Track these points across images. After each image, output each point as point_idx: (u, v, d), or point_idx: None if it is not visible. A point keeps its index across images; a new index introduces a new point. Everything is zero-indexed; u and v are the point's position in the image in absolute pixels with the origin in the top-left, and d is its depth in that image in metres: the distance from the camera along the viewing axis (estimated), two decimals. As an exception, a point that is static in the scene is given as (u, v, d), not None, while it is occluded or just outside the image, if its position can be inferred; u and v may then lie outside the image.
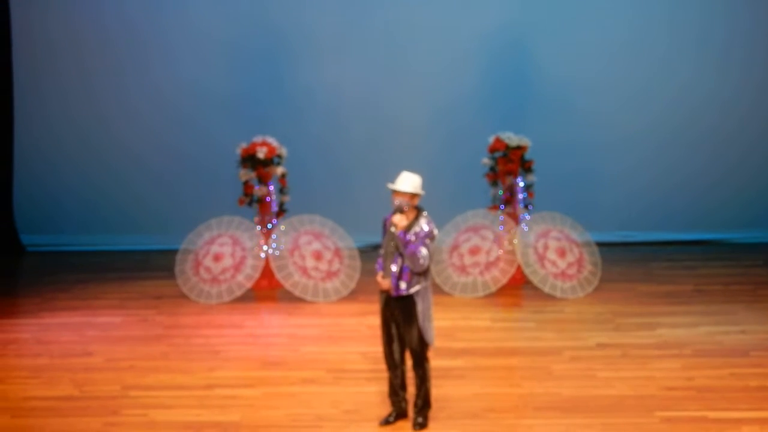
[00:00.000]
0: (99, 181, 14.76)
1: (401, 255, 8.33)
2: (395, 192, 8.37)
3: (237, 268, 12.45)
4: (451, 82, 14.59)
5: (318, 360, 10.26)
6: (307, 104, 14.60)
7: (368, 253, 14.10)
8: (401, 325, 8.46)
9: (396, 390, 8.67)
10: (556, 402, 9.11)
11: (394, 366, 8.62)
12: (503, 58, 14.55)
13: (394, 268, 8.36)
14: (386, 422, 8.67)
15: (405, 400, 8.71)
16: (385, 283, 8.38)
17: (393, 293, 8.38)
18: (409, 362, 8.64)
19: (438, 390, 9.34)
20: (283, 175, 12.78)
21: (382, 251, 8.43)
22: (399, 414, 8.70)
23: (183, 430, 8.63)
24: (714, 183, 14.75)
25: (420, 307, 8.37)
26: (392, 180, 8.44)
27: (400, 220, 8.30)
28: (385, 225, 8.47)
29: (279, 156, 12.76)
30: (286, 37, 14.59)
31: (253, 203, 12.74)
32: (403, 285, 8.35)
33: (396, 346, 8.56)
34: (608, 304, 12.02)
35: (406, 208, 8.35)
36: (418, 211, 8.41)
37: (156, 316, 11.73)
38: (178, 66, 14.65)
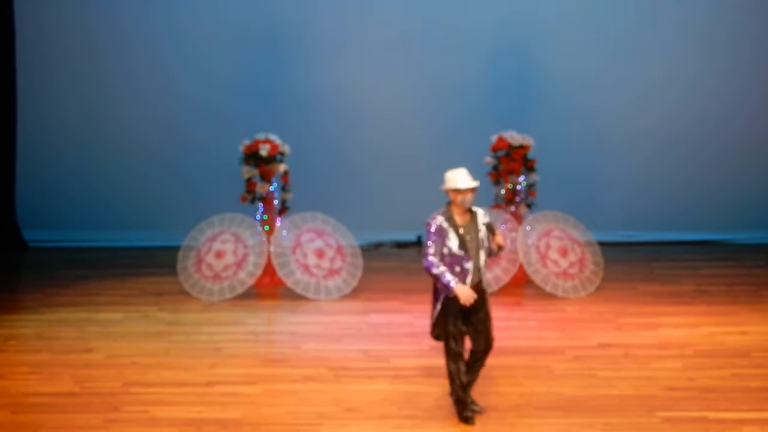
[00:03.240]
0: (100, 177, 14.76)
1: (484, 249, 8.42)
2: (465, 191, 8.37)
3: (239, 265, 12.44)
4: (455, 81, 14.59)
5: (319, 358, 10.26)
6: (311, 102, 14.59)
7: (370, 251, 14.12)
8: (478, 314, 8.49)
9: (464, 381, 8.63)
10: (558, 401, 9.11)
11: (462, 356, 8.61)
12: (508, 56, 14.53)
13: (481, 263, 8.42)
14: (468, 419, 8.63)
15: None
16: (472, 295, 8.38)
17: (483, 286, 8.47)
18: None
19: (439, 388, 9.34)
20: (285, 173, 12.78)
21: (459, 252, 8.35)
22: (475, 409, 8.69)
23: (184, 427, 8.63)
24: (717, 183, 14.74)
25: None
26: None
27: (502, 242, 8.45)
28: (442, 227, 8.38)
29: (281, 153, 12.76)
30: (294, 34, 14.59)
31: (255, 200, 12.74)
32: (488, 275, 8.47)
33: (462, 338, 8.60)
34: (610, 303, 12.01)
35: None
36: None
37: (157, 313, 11.73)
38: (184, 63, 14.64)
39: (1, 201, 14.63)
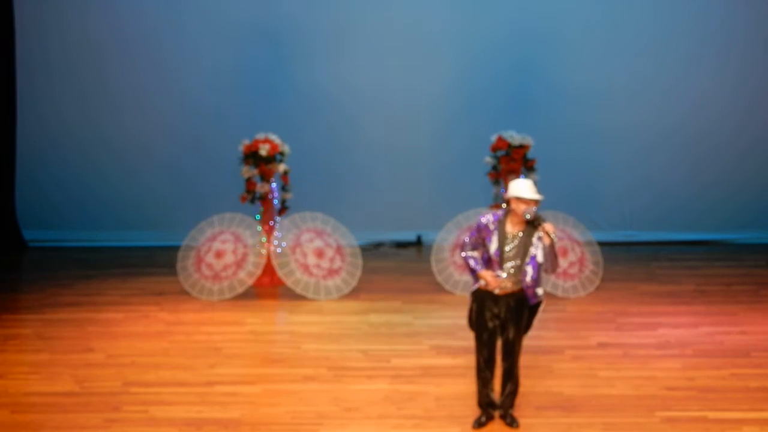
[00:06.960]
0: (101, 177, 14.74)
1: (531, 264, 8.28)
2: (525, 200, 8.26)
3: (238, 264, 12.45)
4: (455, 80, 14.57)
5: (319, 357, 10.26)
6: (311, 102, 14.58)
7: (370, 251, 14.12)
8: (510, 322, 8.40)
9: (489, 388, 8.61)
10: (557, 401, 9.11)
11: (492, 362, 8.57)
12: (509, 55, 14.51)
13: (528, 278, 8.30)
14: (480, 425, 8.61)
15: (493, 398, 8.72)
16: (499, 282, 8.31)
17: (531, 301, 8.36)
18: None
19: (439, 389, 9.35)
20: (285, 173, 12.79)
21: (494, 257, 8.28)
22: (489, 416, 8.66)
23: (183, 426, 8.63)
24: (716, 183, 14.72)
25: (542, 306, 8.51)
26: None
27: (552, 229, 8.27)
28: (488, 227, 8.31)
29: (281, 153, 12.76)
30: (296, 31, 14.55)
31: (255, 200, 12.74)
32: (540, 291, 8.39)
33: (495, 343, 8.51)
34: (610, 303, 12.01)
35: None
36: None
37: (157, 313, 11.73)
38: (185, 63, 14.61)
39: (1, 201, 14.63)
